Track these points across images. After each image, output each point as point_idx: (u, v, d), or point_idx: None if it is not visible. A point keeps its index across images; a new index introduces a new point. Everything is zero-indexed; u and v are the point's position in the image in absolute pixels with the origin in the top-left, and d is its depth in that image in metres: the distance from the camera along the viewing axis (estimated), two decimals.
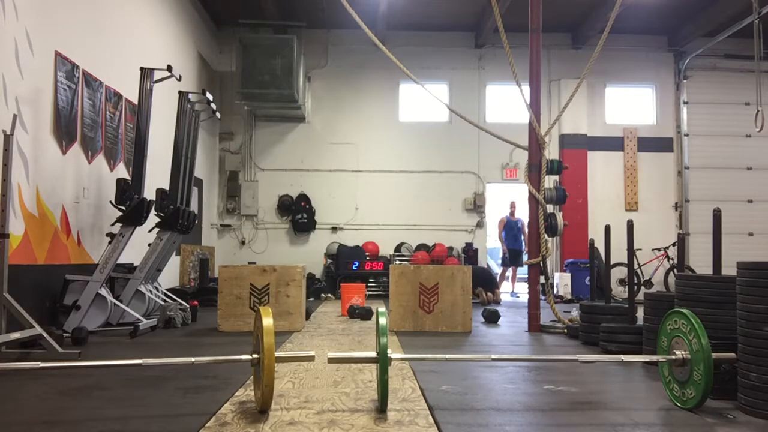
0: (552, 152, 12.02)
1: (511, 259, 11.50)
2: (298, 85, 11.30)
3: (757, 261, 3.03)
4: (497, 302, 9.96)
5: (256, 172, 12.47)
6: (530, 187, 6.59)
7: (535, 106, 6.65)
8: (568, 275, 11.45)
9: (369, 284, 11.16)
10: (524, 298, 8.90)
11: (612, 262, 6.11)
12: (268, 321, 2.77)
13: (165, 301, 6.80)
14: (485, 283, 10.09)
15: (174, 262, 9.52)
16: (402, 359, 3.83)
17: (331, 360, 3.05)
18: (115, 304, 5.92)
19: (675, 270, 10.32)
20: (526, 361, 4.47)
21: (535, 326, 6.35)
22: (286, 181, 12.46)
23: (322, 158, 12.53)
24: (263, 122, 12.54)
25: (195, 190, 9.75)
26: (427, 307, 6.28)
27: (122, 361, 3.25)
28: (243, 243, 12.33)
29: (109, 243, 5.93)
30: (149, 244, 6.51)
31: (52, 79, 5.82)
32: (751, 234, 12.52)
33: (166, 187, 6.59)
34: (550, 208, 6.70)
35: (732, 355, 3.05)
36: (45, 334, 4.41)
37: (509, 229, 11.58)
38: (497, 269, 12.65)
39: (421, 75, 8.02)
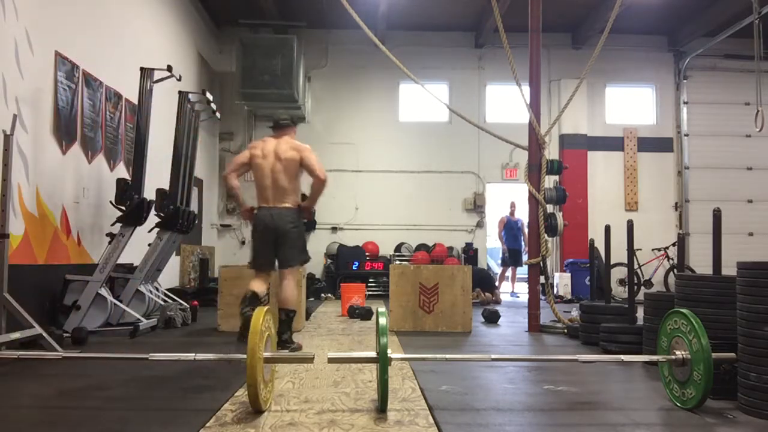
0: (552, 152, 12.00)
1: (511, 259, 11.49)
2: (298, 85, 11.30)
3: (757, 261, 3.03)
4: (497, 302, 9.95)
5: None
6: (530, 187, 6.58)
7: (535, 106, 6.64)
8: (568, 275, 11.44)
9: (369, 284, 11.15)
10: (524, 298, 8.89)
11: (612, 262, 6.10)
12: (255, 322, 2.81)
13: (165, 301, 6.80)
14: (482, 283, 10.06)
15: (174, 262, 9.51)
16: (402, 359, 3.83)
17: (331, 360, 3.06)
18: (115, 304, 5.92)
19: (675, 270, 10.32)
20: (526, 361, 4.47)
21: (535, 326, 6.35)
22: None
23: (322, 158, 12.17)
24: (263, 122, 12.50)
25: (195, 190, 9.74)
26: (427, 307, 6.28)
27: (126, 355, 3.25)
28: (243, 243, 12.32)
29: (109, 243, 5.92)
30: (149, 244, 6.51)
31: (52, 79, 5.82)
32: (751, 234, 12.51)
33: (166, 187, 6.59)
34: (550, 208, 6.70)
35: (732, 355, 3.05)
36: (45, 334, 4.41)
37: (509, 228, 11.57)
38: (497, 269, 12.65)
39: (421, 75, 8.00)
